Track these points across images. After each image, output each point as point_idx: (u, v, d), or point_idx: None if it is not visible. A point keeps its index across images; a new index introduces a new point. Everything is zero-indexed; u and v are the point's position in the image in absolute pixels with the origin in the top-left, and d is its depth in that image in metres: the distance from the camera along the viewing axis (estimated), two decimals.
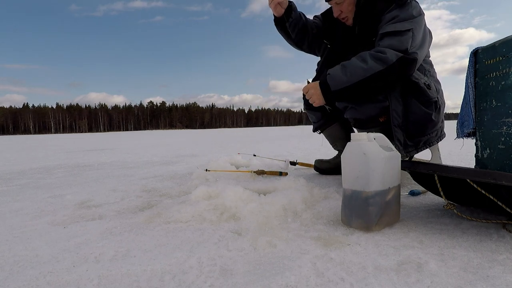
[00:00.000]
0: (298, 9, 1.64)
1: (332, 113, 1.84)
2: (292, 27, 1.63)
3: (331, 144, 2.02)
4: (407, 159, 1.60)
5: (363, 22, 1.44)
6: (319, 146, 4.13)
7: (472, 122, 1.08)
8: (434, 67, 1.53)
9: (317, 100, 1.41)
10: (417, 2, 1.36)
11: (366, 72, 1.25)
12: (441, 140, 1.53)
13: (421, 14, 1.32)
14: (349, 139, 1.86)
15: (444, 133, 1.55)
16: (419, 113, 1.37)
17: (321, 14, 1.74)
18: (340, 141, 1.94)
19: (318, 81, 1.40)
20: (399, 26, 1.27)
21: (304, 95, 1.61)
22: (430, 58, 1.51)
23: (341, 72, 1.32)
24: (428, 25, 1.40)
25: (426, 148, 1.48)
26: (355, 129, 1.91)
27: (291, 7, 1.59)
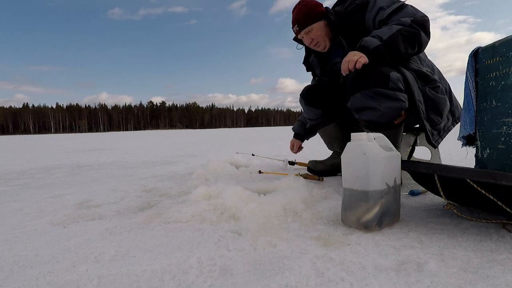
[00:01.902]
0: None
1: (332, 113, 1.85)
2: (310, 134, 2.15)
3: (326, 143, 2.00)
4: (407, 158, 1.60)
5: (347, 34, 1.54)
6: (318, 146, 4.12)
7: (473, 125, 1.08)
8: (428, 57, 1.58)
9: (361, 55, 1.33)
10: None
11: (391, 30, 1.31)
12: (457, 123, 1.55)
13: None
14: (345, 140, 1.86)
15: (458, 116, 1.56)
16: (434, 99, 1.40)
17: (302, 63, 1.91)
18: (336, 141, 1.92)
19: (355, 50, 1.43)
20: (394, 5, 1.38)
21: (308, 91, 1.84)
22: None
23: (371, 37, 1.36)
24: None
25: (446, 134, 1.52)
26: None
27: (299, 135, 2.17)
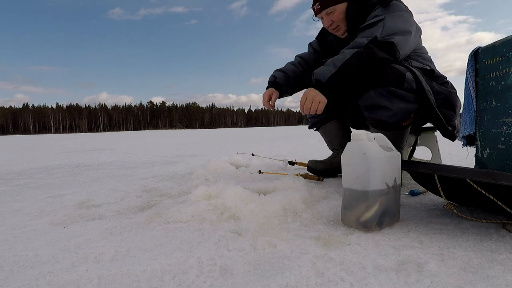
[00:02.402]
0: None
1: (332, 110, 1.81)
2: (289, 91, 1.80)
3: (326, 142, 1.97)
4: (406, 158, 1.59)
5: (355, 30, 1.45)
6: (318, 146, 4.13)
7: (473, 125, 1.07)
8: (434, 63, 1.54)
9: (319, 99, 1.31)
10: (401, 2, 1.38)
11: (344, 56, 1.27)
12: (456, 136, 1.46)
13: (400, 11, 1.34)
14: (346, 138, 1.85)
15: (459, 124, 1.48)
16: (443, 92, 1.36)
17: (316, 38, 1.78)
18: (337, 139, 1.88)
19: (308, 88, 1.36)
20: (371, 20, 1.33)
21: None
22: (429, 55, 1.53)
23: (324, 67, 1.33)
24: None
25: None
26: (352, 129, 1.89)
27: (280, 85, 1.73)
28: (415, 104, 1.33)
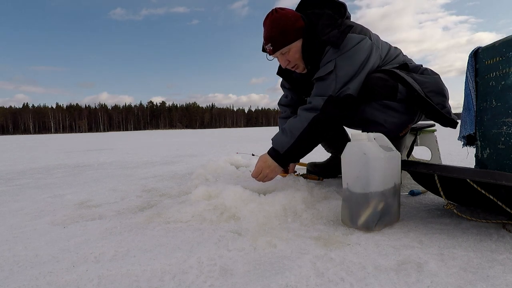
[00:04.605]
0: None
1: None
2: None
3: (323, 146, 1.95)
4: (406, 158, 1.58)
5: (314, 65, 1.37)
6: (317, 146, 4.12)
7: (473, 125, 1.07)
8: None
9: (272, 175, 1.35)
10: (354, 30, 1.24)
11: (302, 124, 1.26)
12: (457, 121, 1.35)
13: (352, 46, 1.22)
14: (342, 139, 1.84)
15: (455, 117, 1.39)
16: (427, 81, 1.29)
17: (277, 73, 1.66)
18: (333, 141, 1.87)
19: (265, 153, 1.36)
20: (322, 71, 1.26)
21: None
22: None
23: (282, 134, 1.31)
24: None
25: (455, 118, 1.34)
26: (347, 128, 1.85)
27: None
28: (410, 115, 1.28)
